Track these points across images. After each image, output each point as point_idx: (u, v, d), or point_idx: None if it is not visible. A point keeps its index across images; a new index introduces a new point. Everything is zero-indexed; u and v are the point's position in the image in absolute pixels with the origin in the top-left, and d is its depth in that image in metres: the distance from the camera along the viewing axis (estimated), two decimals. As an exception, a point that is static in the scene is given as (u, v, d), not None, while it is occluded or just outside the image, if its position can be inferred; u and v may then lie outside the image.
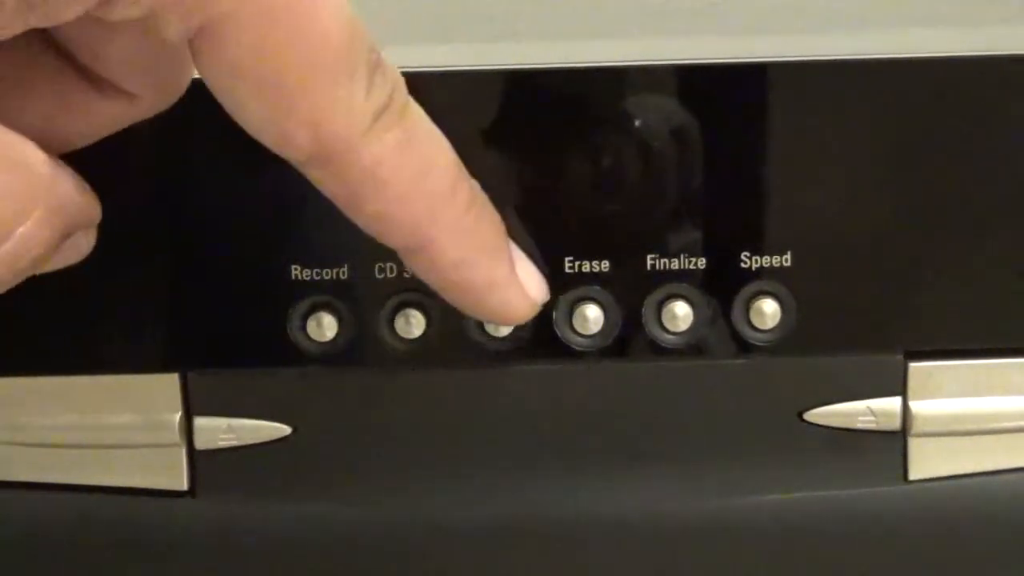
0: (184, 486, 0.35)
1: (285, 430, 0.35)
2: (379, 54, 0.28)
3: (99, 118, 0.28)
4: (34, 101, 0.27)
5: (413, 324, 0.33)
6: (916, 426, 0.34)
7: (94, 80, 0.28)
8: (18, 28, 0.25)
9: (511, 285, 0.31)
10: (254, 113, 0.27)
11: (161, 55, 0.28)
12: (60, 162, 0.27)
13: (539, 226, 0.32)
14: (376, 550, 0.35)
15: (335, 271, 0.33)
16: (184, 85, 0.29)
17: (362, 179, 0.28)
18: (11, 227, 0.26)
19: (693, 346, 0.33)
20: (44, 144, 0.27)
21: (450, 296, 0.31)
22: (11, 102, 0.26)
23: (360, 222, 0.29)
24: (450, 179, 0.29)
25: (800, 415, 0.35)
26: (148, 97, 0.29)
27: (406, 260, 0.30)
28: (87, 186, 0.28)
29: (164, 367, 0.34)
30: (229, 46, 0.26)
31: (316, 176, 0.28)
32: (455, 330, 0.33)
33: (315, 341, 0.33)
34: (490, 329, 0.33)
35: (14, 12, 0.24)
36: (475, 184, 0.30)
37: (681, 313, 0.33)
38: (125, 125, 0.29)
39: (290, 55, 0.26)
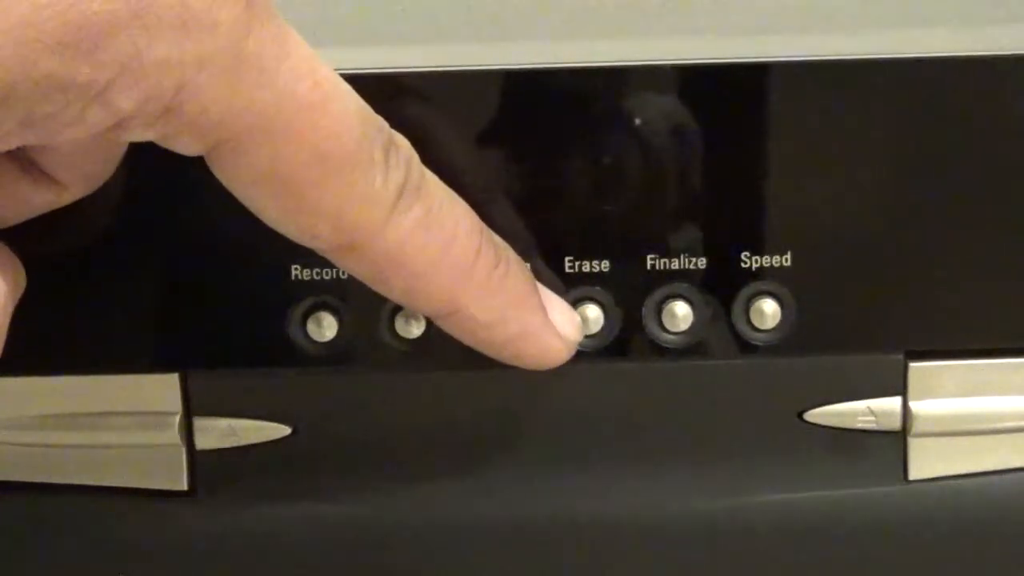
0: (184, 486, 0.35)
1: (285, 430, 0.35)
2: (390, 132, 0.28)
3: (26, 204, 0.29)
4: None
5: (413, 324, 0.33)
6: (916, 426, 0.34)
7: (27, 169, 0.28)
8: (10, 146, 0.25)
9: (544, 331, 0.31)
10: (275, 213, 0.28)
11: (105, 152, 0.29)
12: (9, 268, 0.27)
13: (539, 226, 0.32)
14: (376, 550, 0.35)
15: (335, 271, 0.33)
16: (109, 175, 0.29)
17: (387, 260, 0.28)
18: None
19: (693, 346, 0.33)
20: None
21: (487, 352, 0.31)
22: None
23: (389, 296, 0.30)
24: (474, 245, 0.30)
25: (800, 415, 0.35)
26: (78, 187, 0.29)
27: (439, 324, 0.31)
28: (20, 268, 0.28)
29: (164, 367, 0.34)
30: (244, 158, 0.26)
31: (341, 262, 0.29)
32: (455, 330, 0.33)
33: (315, 341, 0.33)
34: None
35: (15, 133, 0.24)
36: (498, 240, 0.31)
37: (681, 313, 0.33)
38: (48, 210, 0.29)
39: (305, 158, 0.27)
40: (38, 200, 0.29)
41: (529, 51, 0.33)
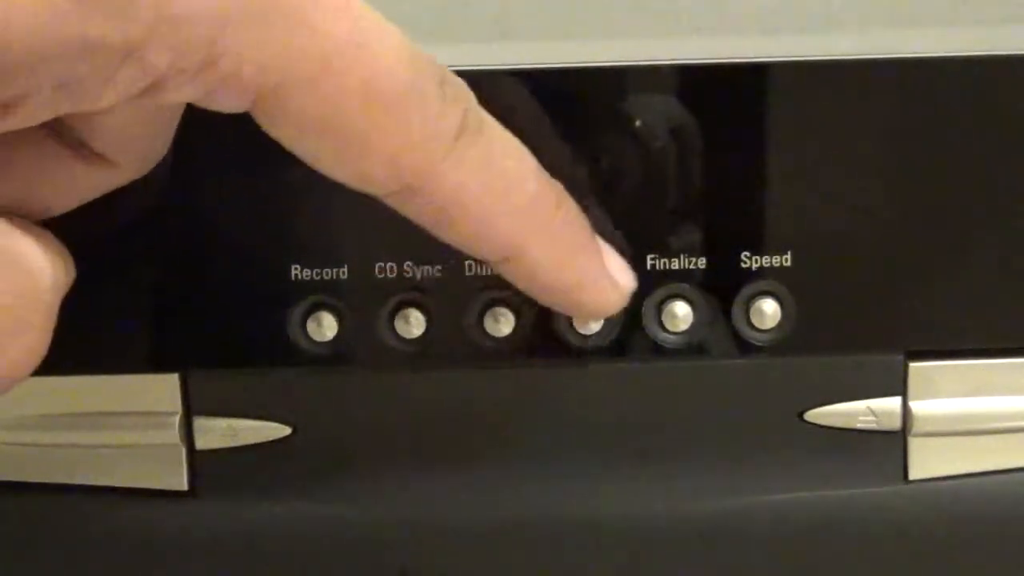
0: (184, 486, 0.35)
1: (285, 430, 0.35)
2: (445, 72, 0.27)
3: (80, 186, 0.28)
4: (15, 170, 0.27)
5: (413, 324, 0.33)
6: (916, 426, 0.34)
7: (77, 149, 0.28)
8: (48, 115, 0.24)
9: (602, 278, 0.31)
10: (329, 160, 0.27)
11: (154, 124, 0.28)
12: (54, 251, 0.27)
13: (539, 226, 0.32)
14: (376, 550, 0.35)
15: (335, 271, 0.33)
16: (164, 152, 0.29)
17: (448, 203, 0.28)
18: (10, 339, 0.25)
19: (693, 346, 0.33)
20: (23, 212, 0.27)
21: (545, 299, 0.30)
22: None
23: (450, 241, 0.29)
24: (534, 186, 0.29)
25: (800, 415, 0.35)
26: (131, 165, 0.28)
27: (498, 269, 0.30)
28: (69, 257, 0.27)
29: (164, 367, 0.34)
30: (292, 106, 0.26)
31: (400, 206, 0.28)
32: (455, 330, 0.33)
33: (315, 341, 0.33)
34: (490, 329, 0.33)
35: (49, 100, 0.24)
36: (556, 183, 0.30)
37: (681, 313, 0.33)
38: (104, 192, 0.28)
39: (353, 99, 0.26)
40: (92, 182, 0.28)
41: (529, 51, 0.33)
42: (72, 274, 0.28)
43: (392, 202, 0.28)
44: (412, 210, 0.28)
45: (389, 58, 0.26)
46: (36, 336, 0.26)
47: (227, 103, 0.25)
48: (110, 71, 0.24)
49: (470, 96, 0.28)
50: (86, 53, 0.23)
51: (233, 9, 0.24)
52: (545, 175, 0.29)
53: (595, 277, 0.31)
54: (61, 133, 0.27)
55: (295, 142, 0.26)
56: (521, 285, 0.30)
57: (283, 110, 0.26)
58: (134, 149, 0.28)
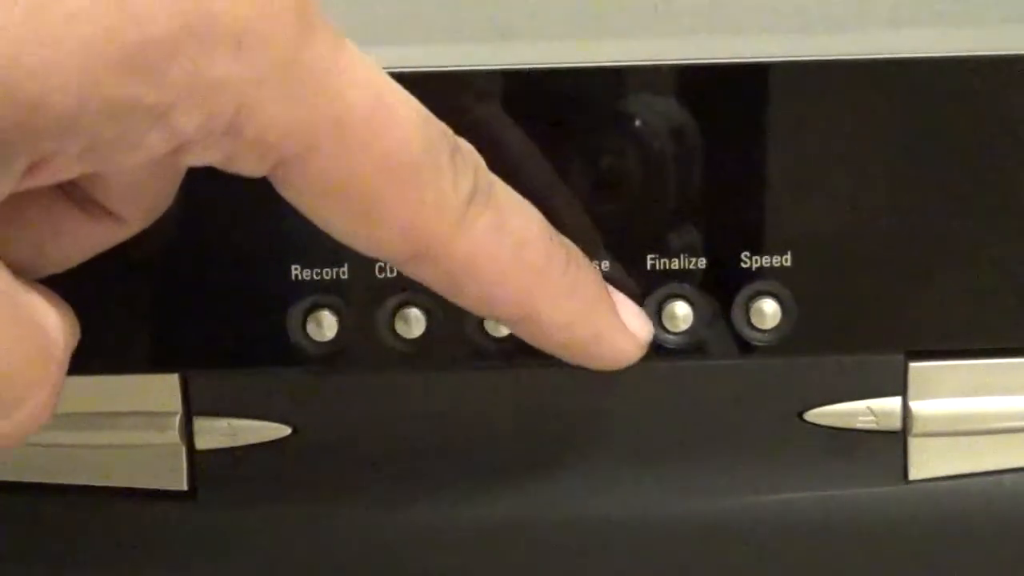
0: (184, 486, 0.35)
1: (285, 430, 0.35)
2: (454, 137, 0.28)
3: (87, 242, 0.28)
4: (25, 228, 0.27)
5: (413, 324, 0.33)
6: (916, 426, 0.34)
7: (86, 206, 0.28)
8: (72, 175, 0.25)
9: (616, 331, 0.31)
10: (343, 226, 0.27)
11: (163, 181, 0.28)
12: (63, 309, 0.27)
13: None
14: (376, 550, 0.35)
15: (335, 271, 0.33)
16: (168, 206, 0.29)
17: (460, 269, 0.28)
18: (26, 394, 0.26)
19: (693, 346, 0.33)
20: (30, 271, 0.27)
21: (561, 354, 0.31)
22: (5, 233, 0.25)
23: (462, 304, 0.29)
24: (544, 247, 0.29)
25: (800, 415, 0.35)
26: (137, 220, 0.29)
27: (513, 329, 0.31)
28: (75, 317, 0.28)
29: (164, 367, 0.34)
30: (310, 173, 0.26)
31: (413, 272, 0.28)
32: (455, 330, 0.33)
33: (315, 341, 0.33)
34: (490, 329, 0.33)
35: (75, 160, 0.24)
36: (565, 241, 0.30)
37: (681, 313, 0.33)
38: (109, 247, 0.29)
39: (370, 169, 0.26)
40: (98, 237, 0.28)
41: (529, 51, 0.33)
42: (78, 334, 0.28)
43: (405, 268, 0.28)
44: (425, 275, 0.28)
45: (406, 129, 0.26)
46: (47, 395, 0.26)
47: (247, 167, 0.26)
48: (139, 135, 0.24)
49: (479, 161, 0.28)
50: (117, 116, 0.23)
51: (264, 75, 0.24)
52: (554, 233, 0.30)
53: (610, 330, 0.31)
54: (71, 190, 0.27)
55: (310, 207, 0.27)
56: (536, 343, 0.31)
57: (301, 177, 0.26)
58: (142, 205, 0.28)
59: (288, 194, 0.27)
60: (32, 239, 0.27)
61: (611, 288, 0.32)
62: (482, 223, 0.28)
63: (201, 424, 0.34)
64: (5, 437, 0.26)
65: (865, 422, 0.34)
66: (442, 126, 0.28)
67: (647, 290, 0.33)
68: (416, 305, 0.33)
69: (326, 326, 0.33)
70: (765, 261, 0.33)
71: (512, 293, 0.29)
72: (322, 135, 0.25)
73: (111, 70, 0.23)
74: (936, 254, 0.33)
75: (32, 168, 0.24)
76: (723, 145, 0.32)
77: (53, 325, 0.26)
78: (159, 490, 0.35)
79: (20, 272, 0.26)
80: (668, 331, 0.33)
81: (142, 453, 0.34)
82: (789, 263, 0.33)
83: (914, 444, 0.35)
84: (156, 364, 0.34)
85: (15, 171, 0.23)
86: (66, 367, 0.27)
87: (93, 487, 0.35)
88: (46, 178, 0.24)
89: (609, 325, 0.31)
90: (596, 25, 0.36)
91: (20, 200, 0.25)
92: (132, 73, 0.23)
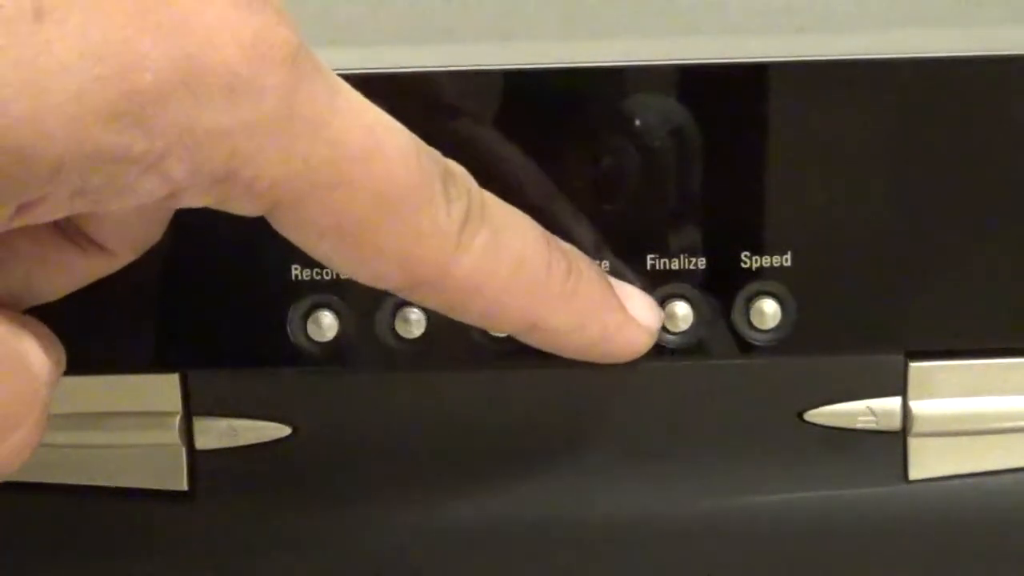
0: (184, 486, 0.35)
1: (285, 430, 0.35)
2: (445, 162, 0.28)
3: (75, 275, 0.29)
4: (15, 264, 0.27)
5: (413, 324, 0.33)
6: (916, 426, 0.34)
7: (76, 239, 0.28)
8: (61, 215, 0.25)
9: (625, 325, 0.31)
10: (342, 261, 0.27)
11: (155, 216, 0.28)
12: (48, 342, 0.27)
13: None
14: (376, 550, 0.35)
15: (335, 271, 0.33)
16: (158, 238, 0.29)
17: (462, 291, 0.28)
18: (5, 435, 0.26)
19: (693, 346, 0.33)
20: (17, 302, 0.27)
21: (573, 356, 0.31)
22: None
23: (468, 322, 0.30)
24: (543, 258, 0.30)
25: (800, 415, 0.35)
26: (126, 252, 0.29)
27: (522, 340, 0.31)
28: (62, 348, 0.28)
29: (164, 367, 0.34)
30: (304, 214, 0.26)
31: (416, 298, 0.29)
32: (455, 330, 0.33)
33: (315, 341, 0.33)
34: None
35: (66, 202, 0.24)
36: (565, 246, 0.31)
37: (681, 313, 0.33)
38: (98, 278, 0.29)
39: (365, 205, 0.26)
40: (88, 270, 0.29)
41: (529, 51, 0.33)
42: (64, 364, 0.28)
43: (407, 296, 0.29)
44: (427, 300, 0.29)
45: (399, 161, 0.27)
46: (30, 430, 0.26)
47: (242, 210, 0.26)
48: (129, 180, 0.24)
49: (471, 181, 0.29)
50: (105, 164, 0.23)
51: (257, 125, 0.24)
52: (551, 239, 0.30)
53: (619, 326, 0.31)
54: (61, 224, 0.28)
55: (308, 246, 0.27)
56: (548, 349, 0.31)
57: (297, 219, 0.26)
58: (132, 240, 0.29)
59: (285, 233, 0.27)
60: (20, 272, 0.28)
61: (617, 281, 0.32)
62: (478, 244, 0.28)
63: (201, 424, 0.34)
64: None
65: (865, 422, 0.34)
66: (432, 152, 0.28)
67: (647, 290, 0.33)
68: (416, 305, 0.33)
69: (326, 326, 0.33)
70: (765, 261, 0.33)
71: (516, 307, 0.29)
72: (316, 180, 0.26)
73: (100, 119, 0.23)
74: (936, 254, 0.33)
75: (21, 209, 0.24)
76: (723, 145, 0.32)
77: (38, 363, 0.27)
78: (159, 490, 0.35)
79: (6, 304, 0.26)
80: (668, 331, 0.33)
81: (142, 453, 0.34)
82: (789, 263, 0.33)
83: (914, 444, 0.35)
84: (156, 364, 0.34)
85: (3, 214, 0.24)
86: (50, 403, 0.27)
87: (93, 487, 0.35)
88: (35, 218, 0.24)
89: (617, 321, 0.31)
90: (596, 25, 0.36)
91: (9, 235, 0.25)
92: (121, 122, 0.23)
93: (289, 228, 0.27)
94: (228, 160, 0.24)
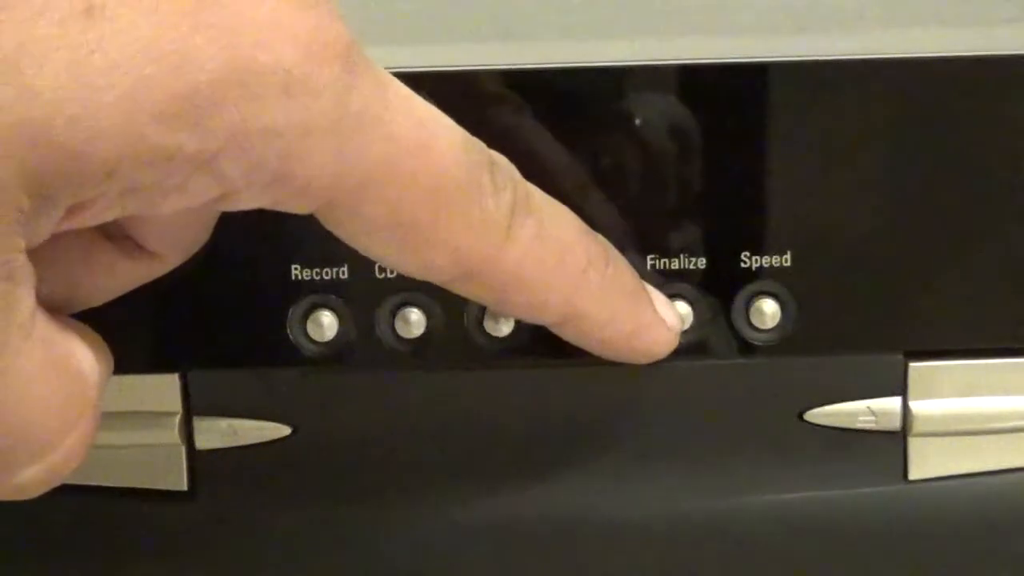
0: (184, 486, 0.35)
1: (285, 430, 0.35)
2: (490, 153, 0.28)
3: (123, 278, 0.28)
4: (62, 268, 0.27)
5: (413, 324, 0.33)
6: (916, 426, 0.34)
7: (123, 243, 0.28)
8: (111, 217, 0.24)
9: (655, 324, 0.32)
10: (393, 254, 0.27)
11: (202, 220, 0.28)
12: (97, 345, 0.27)
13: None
14: (376, 550, 0.35)
15: (335, 271, 0.33)
16: (205, 241, 0.29)
17: (508, 281, 0.28)
18: (61, 438, 0.26)
19: (693, 346, 0.33)
20: (64, 306, 0.27)
21: (602, 351, 0.31)
22: (41, 271, 0.25)
23: (508, 314, 0.30)
24: (584, 247, 0.30)
25: (800, 415, 0.35)
26: (173, 256, 0.29)
27: (556, 331, 0.31)
28: (108, 351, 0.28)
29: (164, 367, 0.34)
30: (358, 211, 0.26)
31: (461, 288, 0.29)
32: (455, 330, 0.33)
33: (315, 341, 0.33)
34: (490, 329, 0.33)
35: (116, 203, 0.24)
36: (600, 237, 0.31)
37: (681, 313, 0.33)
38: (144, 282, 0.29)
39: (418, 199, 0.26)
40: (134, 273, 0.28)
41: (529, 51, 0.33)
42: (112, 366, 0.28)
43: (453, 287, 0.28)
44: (472, 291, 0.29)
45: (449, 154, 0.27)
46: (83, 432, 0.26)
47: (294, 208, 0.26)
48: (181, 180, 0.24)
49: (514, 171, 0.29)
50: (158, 164, 0.23)
51: (311, 124, 0.24)
52: (591, 233, 0.30)
53: (648, 322, 0.31)
54: (108, 228, 0.27)
55: (357, 240, 0.27)
56: (579, 342, 0.31)
57: (350, 217, 0.26)
58: (179, 243, 0.29)
59: (336, 229, 0.27)
60: (68, 276, 0.27)
61: (644, 282, 0.32)
62: (525, 234, 0.28)
63: (201, 424, 0.34)
64: (40, 483, 0.26)
65: (865, 422, 0.34)
66: (477, 142, 0.28)
67: (647, 290, 0.33)
68: (416, 305, 0.33)
69: (326, 326, 0.33)
70: (765, 261, 0.33)
71: (559, 296, 0.29)
72: (368, 176, 0.25)
73: (153, 118, 0.22)
74: (936, 254, 0.33)
75: (72, 210, 0.24)
76: (723, 145, 0.32)
77: (88, 367, 0.26)
78: (159, 490, 0.35)
79: (54, 309, 0.26)
80: (668, 331, 0.33)
81: (142, 453, 0.34)
82: (789, 263, 0.33)
83: (914, 444, 0.35)
84: (156, 364, 0.34)
85: (54, 216, 0.23)
86: (101, 407, 0.27)
87: (93, 487, 0.35)
88: (85, 220, 0.24)
89: (648, 317, 0.31)
90: (596, 25, 0.36)
91: (58, 239, 0.25)
92: (175, 122, 0.23)
93: (340, 224, 0.26)
94: (283, 160, 0.24)
